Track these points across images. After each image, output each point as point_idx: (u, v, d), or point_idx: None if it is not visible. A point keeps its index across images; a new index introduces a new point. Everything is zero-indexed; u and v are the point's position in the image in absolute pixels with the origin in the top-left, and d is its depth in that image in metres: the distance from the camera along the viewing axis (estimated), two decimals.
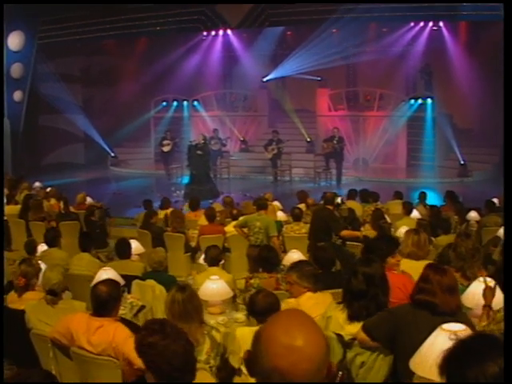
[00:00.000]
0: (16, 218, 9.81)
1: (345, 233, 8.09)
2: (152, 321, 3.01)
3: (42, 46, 17.87)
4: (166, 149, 18.25)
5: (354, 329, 3.76)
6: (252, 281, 5.76)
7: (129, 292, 5.48)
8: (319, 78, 19.47)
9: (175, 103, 20.30)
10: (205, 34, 20.09)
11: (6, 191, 11.46)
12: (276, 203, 10.76)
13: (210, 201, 13.11)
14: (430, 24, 17.93)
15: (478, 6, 14.62)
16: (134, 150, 21.37)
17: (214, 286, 5.15)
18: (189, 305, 3.90)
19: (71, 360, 3.98)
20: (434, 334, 2.84)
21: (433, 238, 7.27)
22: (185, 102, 20.23)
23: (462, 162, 16.88)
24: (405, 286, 4.49)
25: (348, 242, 8.01)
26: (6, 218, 9.30)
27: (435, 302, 3.45)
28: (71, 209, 10.66)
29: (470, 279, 4.63)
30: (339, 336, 3.70)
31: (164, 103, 20.52)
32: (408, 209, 9.23)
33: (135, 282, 5.78)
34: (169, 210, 9.89)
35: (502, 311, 3.55)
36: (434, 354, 2.60)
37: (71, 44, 18.78)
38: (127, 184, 17.65)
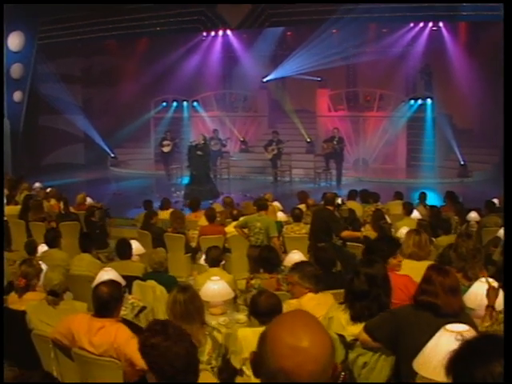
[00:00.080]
0: (16, 219, 9.78)
1: (345, 233, 8.08)
2: (155, 322, 3.00)
3: (42, 46, 17.86)
4: (166, 149, 18.22)
5: (356, 329, 3.76)
6: (253, 281, 5.75)
7: (129, 293, 5.46)
8: (319, 79, 19.47)
9: (175, 104, 20.30)
10: (205, 34, 20.10)
11: (6, 191, 11.43)
12: (276, 204, 10.74)
13: (210, 201, 13.09)
14: (430, 24, 17.93)
15: (477, 6, 14.61)
16: (134, 150, 21.37)
17: (215, 286, 5.15)
18: (190, 305, 3.89)
19: (73, 361, 3.97)
20: (438, 334, 2.83)
21: (433, 239, 7.26)
22: (185, 103, 20.23)
23: (462, 163, 16.88)
24: (406, 286, 4.49)
25: (348, 243, 8.00)
26: (6, 218, 9.28)
27: (438, 304, 3.44)
28: (71, 209, 10.64)
29: (472, 280, 4.62)
30: (341, 337, 3.69)
31: (164, 103, 20.53)
32: (408, 209, 9.22)
33: (136, 283, 5.77)
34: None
35: None
36: (438, 355, 2.61)
37: (71, 44, 18.79)
38: (127, 184, 17.63)
